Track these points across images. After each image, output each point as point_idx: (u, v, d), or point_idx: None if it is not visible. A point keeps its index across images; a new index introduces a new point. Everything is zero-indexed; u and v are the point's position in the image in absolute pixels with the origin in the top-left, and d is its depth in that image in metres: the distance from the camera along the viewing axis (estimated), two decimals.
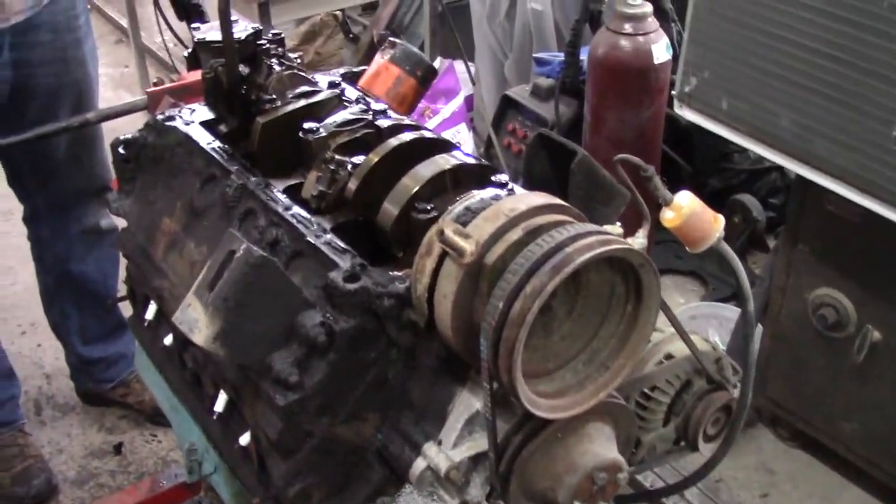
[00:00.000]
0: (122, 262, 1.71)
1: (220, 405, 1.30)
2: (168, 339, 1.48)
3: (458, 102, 3.69)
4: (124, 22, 4.62)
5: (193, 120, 1.58)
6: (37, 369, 2.94)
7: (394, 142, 1.33)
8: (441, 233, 1.06)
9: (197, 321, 1.16)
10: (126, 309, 1.77)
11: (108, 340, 2.66)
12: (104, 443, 2.70)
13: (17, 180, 2.48)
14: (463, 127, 3.56)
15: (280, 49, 1.60)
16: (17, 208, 2.57)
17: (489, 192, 1.20)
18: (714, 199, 1.64)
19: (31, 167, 2.43)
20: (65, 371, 2.83)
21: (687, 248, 1.25)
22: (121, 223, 1.67)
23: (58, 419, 2.78)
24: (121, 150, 1.60)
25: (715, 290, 3.14)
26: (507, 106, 3.02)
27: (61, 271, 2.57)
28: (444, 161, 1.30)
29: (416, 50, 1.81)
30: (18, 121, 2.20)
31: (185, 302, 1.19)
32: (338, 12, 4.65)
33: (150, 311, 1.53)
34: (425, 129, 1.44)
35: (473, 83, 3.54)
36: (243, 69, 1.52)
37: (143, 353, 1.66)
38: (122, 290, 1.84)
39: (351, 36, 4.68)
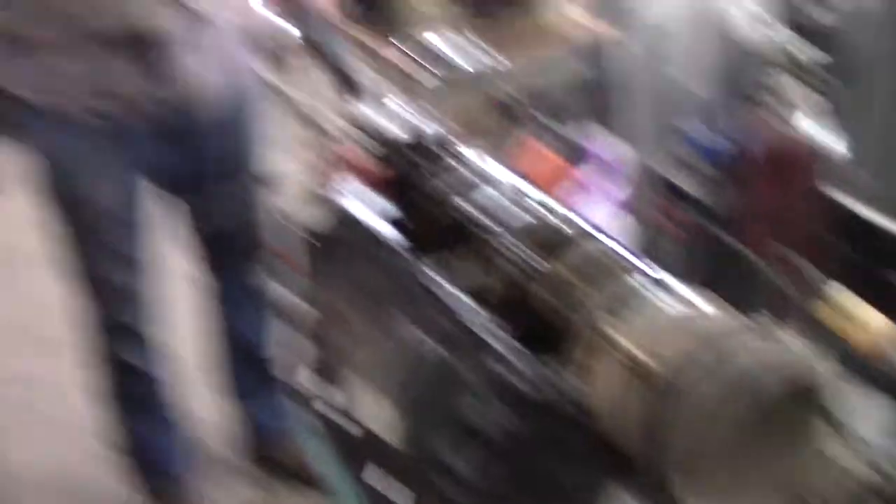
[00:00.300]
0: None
1: (380, 483, 1.34)
2: (328, 411, 1.53)
3: (598, 172, 3.69)
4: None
5: (363, 200, 1.66)
6: (194, 421, 3.03)
7: (560, 239, 1.35)
8: (605, 334, 1.08)
9: (362, 405, 1.22)
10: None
11: (265, 400, 2.75)
12: (257, 499, 2.78)
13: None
14: (607, 203, 3.56)
15: (449, 136, 1.66)
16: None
17: (652, 290, 1.20)
18: (868, 284, 1.60)
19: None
20: (221, 425, 2.93)
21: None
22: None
23: (213, 472, 2.86)
24: (306, 237, 1.69)
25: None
26: (659, 184, 3.00)
27: (222, 328, 2.71)
28: (600, 251, 1.31)
29: (565, 130, 1.85)
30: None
31: (350, 383, 1.25)
32: None
33: (311, 381, 1.60)
34: (588, 220, 1.45)
35: (621, 159, 3.54)
36: (412, 157, 1.59)
37: (302, 419, 1.73)
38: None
39: (496, 107, 4.76)
